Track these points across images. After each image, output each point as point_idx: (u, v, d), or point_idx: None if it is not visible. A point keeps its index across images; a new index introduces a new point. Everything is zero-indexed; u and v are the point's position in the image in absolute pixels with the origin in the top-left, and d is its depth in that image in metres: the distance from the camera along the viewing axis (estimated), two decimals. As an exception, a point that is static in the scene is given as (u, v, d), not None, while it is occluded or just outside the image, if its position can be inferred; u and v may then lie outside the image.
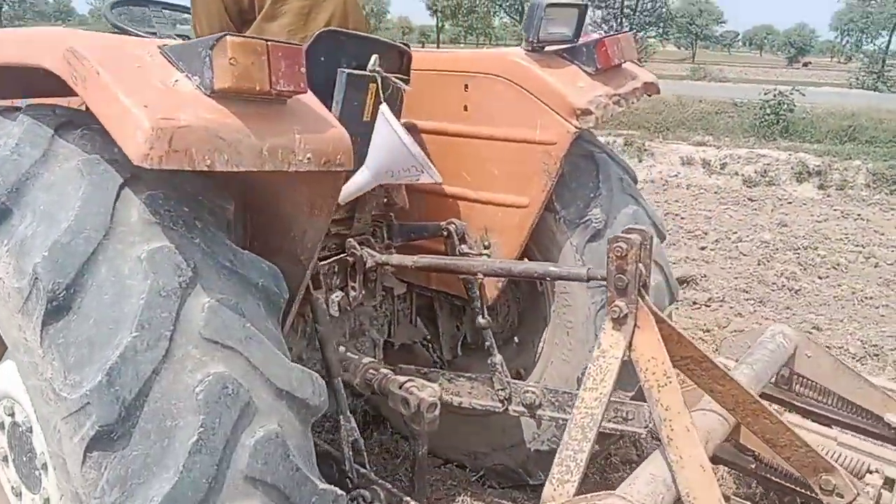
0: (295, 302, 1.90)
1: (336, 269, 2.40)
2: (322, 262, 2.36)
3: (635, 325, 1.89)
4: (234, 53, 1.36)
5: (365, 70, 2.25)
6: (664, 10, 22.56)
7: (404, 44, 2.49)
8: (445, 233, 2.62)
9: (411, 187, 2.74)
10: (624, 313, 1.86)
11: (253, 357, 1.43)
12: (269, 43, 1.41)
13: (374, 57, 2.27)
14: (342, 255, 2.41)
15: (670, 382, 1.82)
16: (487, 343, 2.69)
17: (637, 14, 22.64)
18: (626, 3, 22.64)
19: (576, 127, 2.47)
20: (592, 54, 2.52)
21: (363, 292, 2.45)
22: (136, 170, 1.41)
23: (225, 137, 1.36)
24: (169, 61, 1.43)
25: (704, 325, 5.01)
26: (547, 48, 2.58)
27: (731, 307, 5.40)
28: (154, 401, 1.32)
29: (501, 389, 2.63)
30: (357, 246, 2.41)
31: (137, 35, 2.50)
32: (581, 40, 2.57)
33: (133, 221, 1.44)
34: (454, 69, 2.71)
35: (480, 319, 2.72)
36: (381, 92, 2.28)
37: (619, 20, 22.63)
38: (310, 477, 1.48)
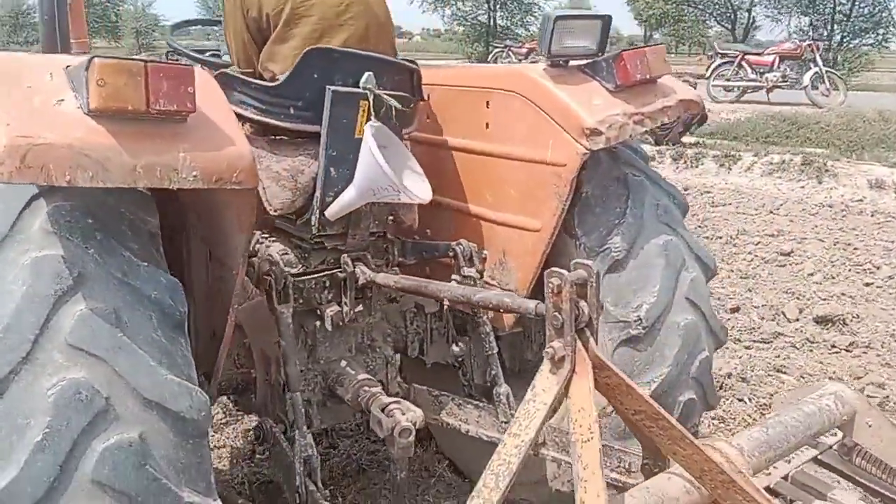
0: (231, 313, 1.93)
1: (328, 284, 2.41)
2: (310, 277, 2.38)
3: (572, 369, 1.70)
4: (101, 74, 1.42)
5: (371, 88, 2.25)
6: (886, 13, 20.04)
7: (410, 61, 2.45)
8: (452, 253, 2.54)
9: (436, 206, 2.69)
10: (559, 356, 1.69)
11: (119, 366, 1.48)
12: (147, 64, 1.46)
13: (366, 74, 2.26)
14: (334, 271, 2.42)
15: (592, 438, 1.61)
16: (493, 372, 2.56)
17: (851, 20, 20.33)
18: (837, 7, 20.42)
19: (585, 148, 2.28)
20: (612, 69, 2.31)
21: (356, 308, 2.44)
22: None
23: (91, 155, 1.43)
24: (67, 81, 1.53)
25: (834, 372, 4.40)
26: (572, 63, 2.42)
27: (878, 355, 4.68)
28: (9, 399, 1.41)
29: (505, 422, 2.49)
30: (350, 262, 2.41)
31: (192, 57, 2.70)
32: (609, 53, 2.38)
33: (33, 230, 1.54)
34: (477, 85, 2.62)
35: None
36: (372, 110, 2.26)
37: (829, 27, 20.51)
38: (172, 488, 1.50)
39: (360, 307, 2.45)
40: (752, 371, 4.41)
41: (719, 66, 16.53)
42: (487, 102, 2.56)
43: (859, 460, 2.30)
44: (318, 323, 2.43)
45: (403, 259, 2.61)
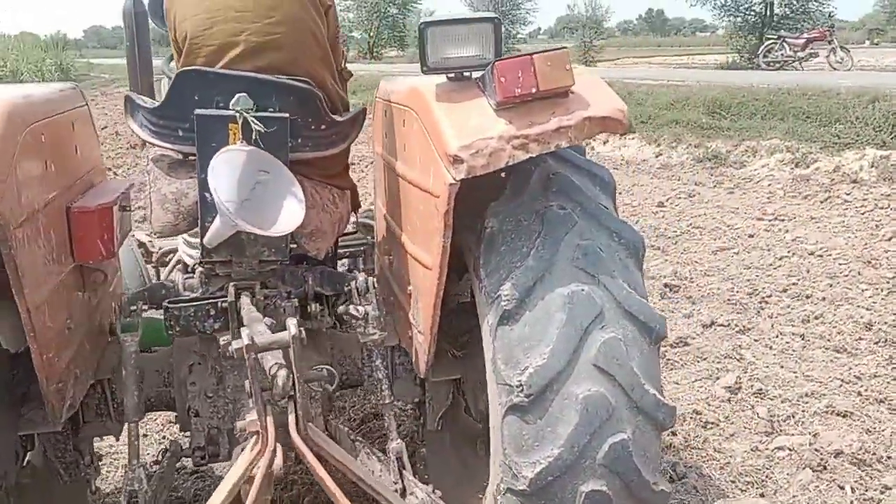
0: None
1: (212, 312, 2.33)
2: (189, 304, 2.32)
3: (262, 448, 1.45)
4: None
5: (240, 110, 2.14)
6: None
7: (305, 82, 2.26)
8: (347, 287, 2.32)
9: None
10: (250, 430, 1.44)
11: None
12: None
13: (237, 96, 2.14)
14: (217, 300, 2.32)
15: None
16: (387, 423, 2.30)
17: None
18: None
19: (451, 177, 1.93)
20: (493, 83, 1.91)
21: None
22: None
23: None
24: None
25: None
26: (476, 74, 2.06)
27: None
28: None
29: (395, 482, 2.22)
30: (232, 291, 2.30)
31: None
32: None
33: None
34: (390, 100, 2.35)
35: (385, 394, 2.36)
36: (244, 132, 2.14)
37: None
38: None
39: None
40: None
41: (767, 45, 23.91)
42: (403, 121, 2.29)
43: None
44: (220, 351, 2.37)
45: (302, 289, 2.44)
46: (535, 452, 1.95)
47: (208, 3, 2.25)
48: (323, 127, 2.30)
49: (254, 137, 2.12)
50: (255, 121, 2.12)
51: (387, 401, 2.32)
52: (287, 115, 2.20)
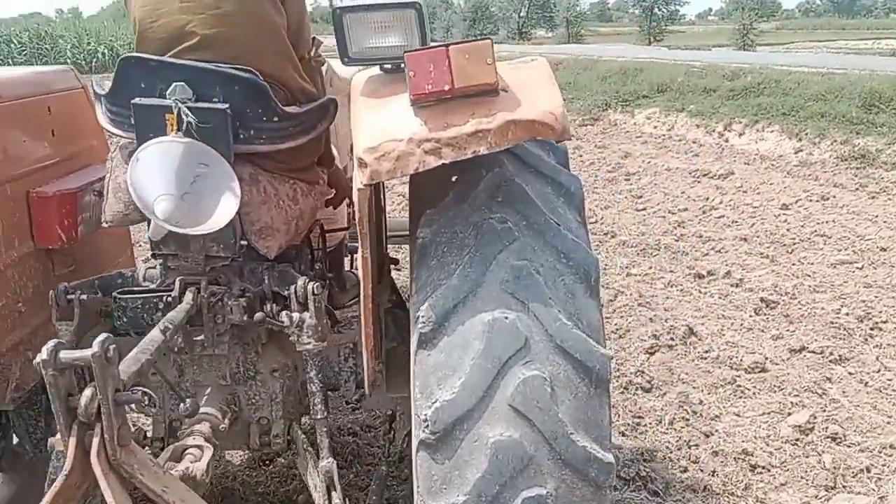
0: None
1: (159, 306, 2.25)
2: (139, 297, 2.25)
3: (70, 469, 1.33)
4: None
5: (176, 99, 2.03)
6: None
7: (250, 72, 2.09)
8: (287, 291, 2.17)
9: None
10: (58, 449, 1.34)
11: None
12: None
13: (174, 85, 2.03)
14: (164, 293, 2.24)
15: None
16: (318, 440, 2.14)
17: None
18: None
19: (360, 182, 1.71)
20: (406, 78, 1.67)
21: (197, 334, 2.24)
22: None
23: None
24: None
25: None
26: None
27: None
28: None
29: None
30: (178, 285, 2.21)
31: None
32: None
33: None
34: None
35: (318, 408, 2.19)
36: (178, 123, 2.02)
37: None
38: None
39: (203, 334, 2.25)
40: None
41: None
42: (348, 116, 2.10)
43: None
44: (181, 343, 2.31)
45: (260, 287, 2.30)
46: (442, 496, 1.72)
47: None
48: (276, 119, 2.15)
49: (184, 128, 2.00)
50: (187, 112, 2.01)
51: (318, 416, 2.16)
52: (227, 106, 2.07)
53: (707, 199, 8.11)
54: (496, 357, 1.70)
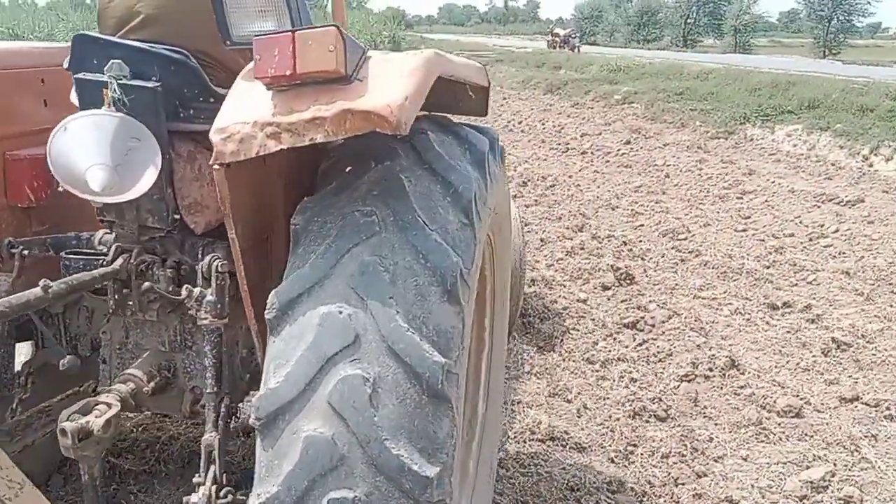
0: None
1: (95, 269, 2.38)
2: (81, 258, 2.40)
3: None
4: None
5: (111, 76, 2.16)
6: None
7: (182, 54, 2.17)
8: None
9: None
10: None
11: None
12: None
13: (110, 62, 2.15)
14: (102, 258, 2.37)
15: None
16: (206, 414, 2.20)
17: None
18: None
19: (216, 162, 1.74)
20: None
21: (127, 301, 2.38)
22: None
23: None
24: None
25: None
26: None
27: None
28: None
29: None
30: (113, 252, 2.34)
31: None
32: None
33: None
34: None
35: (209, 382, 2.23)
36: (112, 98, 2.14)
37: None
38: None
39: (132, 301, 2.38)
40: None
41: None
42: None
43: None
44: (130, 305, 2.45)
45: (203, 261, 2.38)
46: (264, 483, 1.72)
47: None
48: (211, 100, 2.23)
49: (108, 103, 2.13)
50: (116, 88, 2.13)
51: (208, 389, 2.21)
52: (158, 84, 2.17)
53: (821, 225, 7.43)
54: (322, 351, 1.68)
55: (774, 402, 3.88)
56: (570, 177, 9.88)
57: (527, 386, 4.07)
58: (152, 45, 2.22)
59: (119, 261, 2.33)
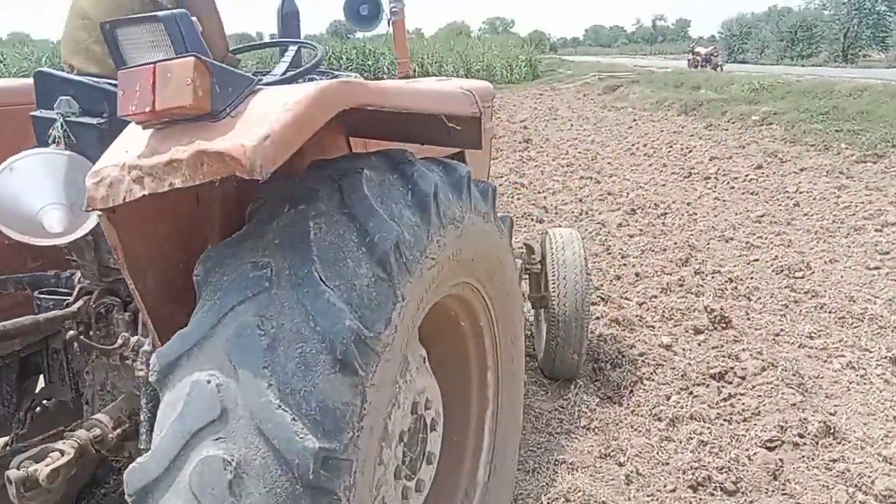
0: None
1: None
2: (52, 298, 2.33)
3: None
4: None
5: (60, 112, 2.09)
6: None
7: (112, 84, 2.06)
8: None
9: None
10: None
11: None
12: None
13: (59, 99, 2.07)
14: (67, 298, 2.30)
15: None
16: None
17: None
18: None
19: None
20: None
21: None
22: None
23: None
24: None
25: None
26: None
27: None
28: None
29: None
30: (76, 293, 2.26)
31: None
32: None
33: None
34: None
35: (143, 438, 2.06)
36: (58, 136, 2.06)
37: None
38: None
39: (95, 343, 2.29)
40: None
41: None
42: None
43: None
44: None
45: None
46: None
47: (73, 9, 2.26)
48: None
49: (55, 140, 2.05)
50: (62, 125, 2.05)
51: (142, 445, 2.05)
52: (105, 121, 2.07)
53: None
54: (188, 425, 1.47)
55: (873, 482, 3.24)
56: (688, 204, 9.18)
57: (577, 443, 3.66)
58: (107, 80, 2.13)
59: (79, 302, 2.25)
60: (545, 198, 9.55)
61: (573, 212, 8.74)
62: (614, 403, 4.07)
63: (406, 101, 1.83)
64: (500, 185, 10.16)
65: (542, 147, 14.00)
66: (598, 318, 5.24)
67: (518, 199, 9.41)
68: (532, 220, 8.32)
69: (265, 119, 1.43)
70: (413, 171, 1.87)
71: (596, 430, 3.80)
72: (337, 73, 3.02)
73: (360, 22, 4.44)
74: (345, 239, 1.63)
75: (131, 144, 1.53)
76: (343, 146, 2.61)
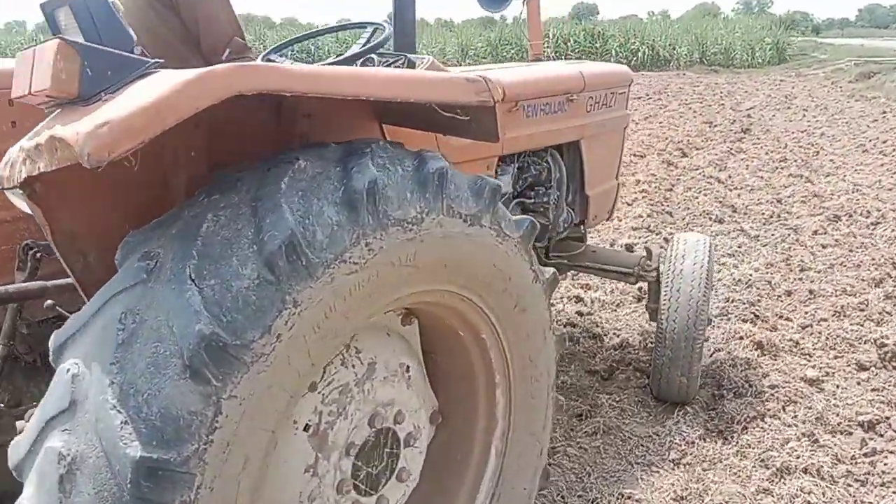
0: None
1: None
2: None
3: None
4: None
5: None
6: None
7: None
8: None
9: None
10: None
11: None
12: None
13: None
14: None
15: None
16: None
17: None
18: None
19: (9, 191, 1.60)
20: None
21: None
22: None
23: None
24: None
25: None
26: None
27: None
28: None
29: None
30: None
31: None
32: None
33: None
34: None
35: None
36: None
37: None
38: None
39: None
40: None
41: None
42: None
43: None
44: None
45: None
46: None
47: None
48: None
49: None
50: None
51: None
52: None
53: None
54: (45, 412, 1.48)
55: None
56: (911, 215, 7.80)
57: (655, 479, 3.25)
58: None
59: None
60: (738, 195, 8.62)
61: (764, 213, 7.80)
62: (719, 439, 3.55)
63: (332, 87, 1.64)
64: (691, 178, 9.37)
65: (759, 139, 12.67)
66: (740, 339, 4.63)
67: (705, 195, 8.59)
68: (710, 219, 7.56)
69: (119, 105, 1.35)
70: (354, 165, 1.70)
71: (685, 466, 3.35)
72: (402, 55, 2.89)
73: (490, 3, 4.25)
74: (240, 234, 1.52)
75: (38, 126, 1.54)
76: (376, 132, 2.49)
